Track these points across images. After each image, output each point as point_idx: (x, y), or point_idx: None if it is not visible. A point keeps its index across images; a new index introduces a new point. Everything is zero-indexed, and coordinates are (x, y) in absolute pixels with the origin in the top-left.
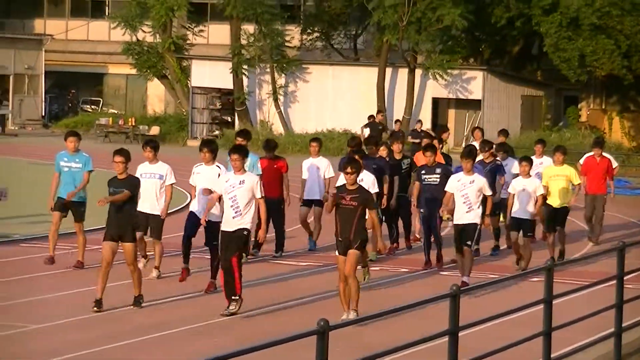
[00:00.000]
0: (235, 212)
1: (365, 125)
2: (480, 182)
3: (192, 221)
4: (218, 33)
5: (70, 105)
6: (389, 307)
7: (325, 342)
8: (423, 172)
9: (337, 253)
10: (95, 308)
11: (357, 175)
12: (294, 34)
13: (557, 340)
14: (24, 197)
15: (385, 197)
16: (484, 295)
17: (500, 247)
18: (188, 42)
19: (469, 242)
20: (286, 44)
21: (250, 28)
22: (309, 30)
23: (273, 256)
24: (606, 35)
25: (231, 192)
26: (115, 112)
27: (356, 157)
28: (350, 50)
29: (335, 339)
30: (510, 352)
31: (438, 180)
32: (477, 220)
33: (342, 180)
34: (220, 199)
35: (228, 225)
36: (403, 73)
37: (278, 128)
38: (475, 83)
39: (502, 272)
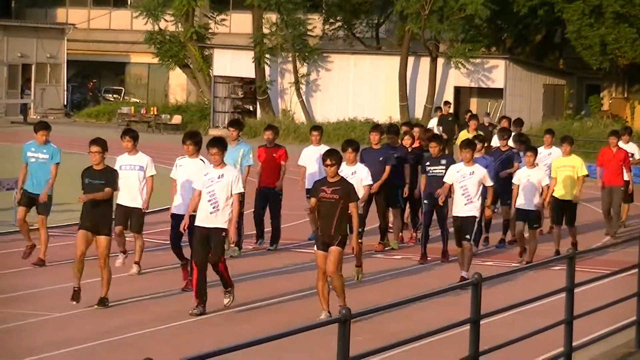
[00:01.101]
0: (213, 208)
1: (438, 123)
2: (480, 173)
3: (177, 223)
4: (240, 22)
5: (91, 94)
6: (408, 297)
7: (347, 331)
8: (428, 163)
9: (315, 248)
10: (74, 302)
11: (338, 167)
12: (316, 23)
13: (578, 329)
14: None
15: (407, 185)
16: (504, 284)
17: (506, 240)
18: (210, 31)
19: (467, 237)
20: (308, 33)
21: (272, 17)
22: (331, 20)
23: (268, 249)
24: (629, 24)
25: (210, 187)
26: (137, 101)
27: (350, 149)
28: (372, 39)
29: (356, 328)
30: (531, 340)
31: (443, 171)
32: (476, 213)
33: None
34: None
35: (204, 221)
36: (425, 62)
37: (300, 117)
38: (497, 72)
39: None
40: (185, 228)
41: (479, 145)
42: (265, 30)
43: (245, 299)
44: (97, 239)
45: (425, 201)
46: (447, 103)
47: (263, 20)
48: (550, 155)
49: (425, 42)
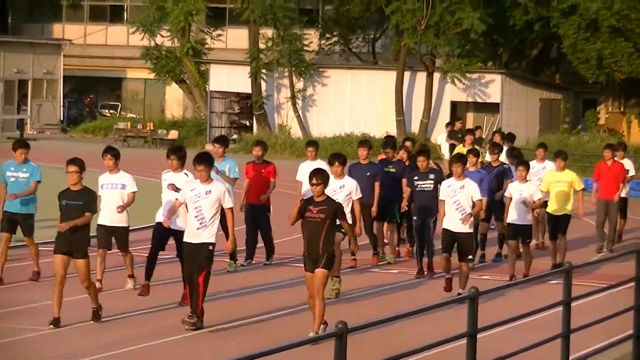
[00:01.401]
0: (200, 224)
1: (449, 139)
2: (470, 187)
3: (160, 233)
4: (236, 37)
5: (87, 110)
6: (405, 311)
7: (344, 345)
8: (416, 177)
9: (304, 270)
10: (51, 326)
11: (325, 187)
12: (312, 38)
13: (575, 342)
14: (43, 201)
15: (405, 200)
16: (500, 298)
17: (502, 254)
18: (206, 46)
19: (470, 257)
20: (304, 48)
21: (268, 32)
22: (327, 35)
23: (264, 264)
24: (625, 38)
25: (196, 202)
26: (134, 116)
27: (337, 163)
28: (369, 54)
29: (354, 342)
30: (528, 354)
31: (432, 186)
32: (471, 229)
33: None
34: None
35: (192, 237)
36: (421, 77)
37: (296, 132)
38: (493, 86)
39: (519, 274)
40: (167, 225)
41: (473, 159)
42: (262, 46)
43: (242, 314)
44: (74, 262)
45: (414, 217)
46: (457, 119)
47: (259, 36)
48: (544, 169)
49: (422, 57)
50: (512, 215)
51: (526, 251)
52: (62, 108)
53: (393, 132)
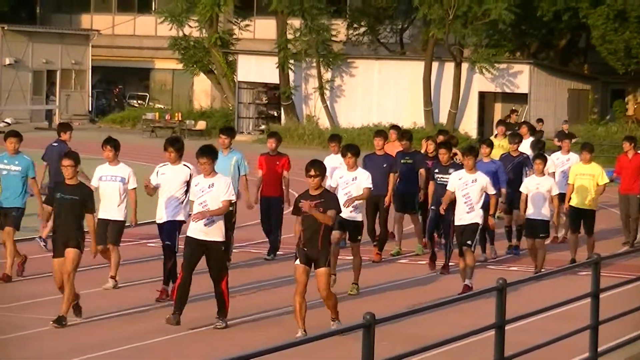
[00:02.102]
0: (207, 219)
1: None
2: (482, 180)
3: (166, 233)
4: (264, 28)
5: (116, 100)
6: (432, 302)
7: (372, 336)
8: (437, 171)
9: (297, 262)
10: (77, 318)
11: (322, 179)
12: (340, 29)
13: (601, 333)
14: None
15: (422, 191)
16: (523, 290)
17: (520, 246)
18: (234, 36)
19: (469, 242)
20: (332, 38)
21: (296, 23)
22: (355, 25)
23: (264, 258)
24: None
25: (201, 197)
26: (162, 107)
27: (349, 154)
28: (397, 44)
29: (379, 333)
30: (555, 346)
31: None
32: (479, 220)
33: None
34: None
35: (198, 233)
36: (449, 67)
37: (324, 122)
38: (521, 77)
39: (546, 266)
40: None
41: (487, 150)
42: (289, 36)
43: (263, 307)
44: (65, 252)
45: (432, 207)
46: (513, 111)
47: (287, 26)
48: (568, 160)
49: (450, 47)
50: (529, 210)
51: (540, 245)
52: (90, 98)
53: (421, 122)
